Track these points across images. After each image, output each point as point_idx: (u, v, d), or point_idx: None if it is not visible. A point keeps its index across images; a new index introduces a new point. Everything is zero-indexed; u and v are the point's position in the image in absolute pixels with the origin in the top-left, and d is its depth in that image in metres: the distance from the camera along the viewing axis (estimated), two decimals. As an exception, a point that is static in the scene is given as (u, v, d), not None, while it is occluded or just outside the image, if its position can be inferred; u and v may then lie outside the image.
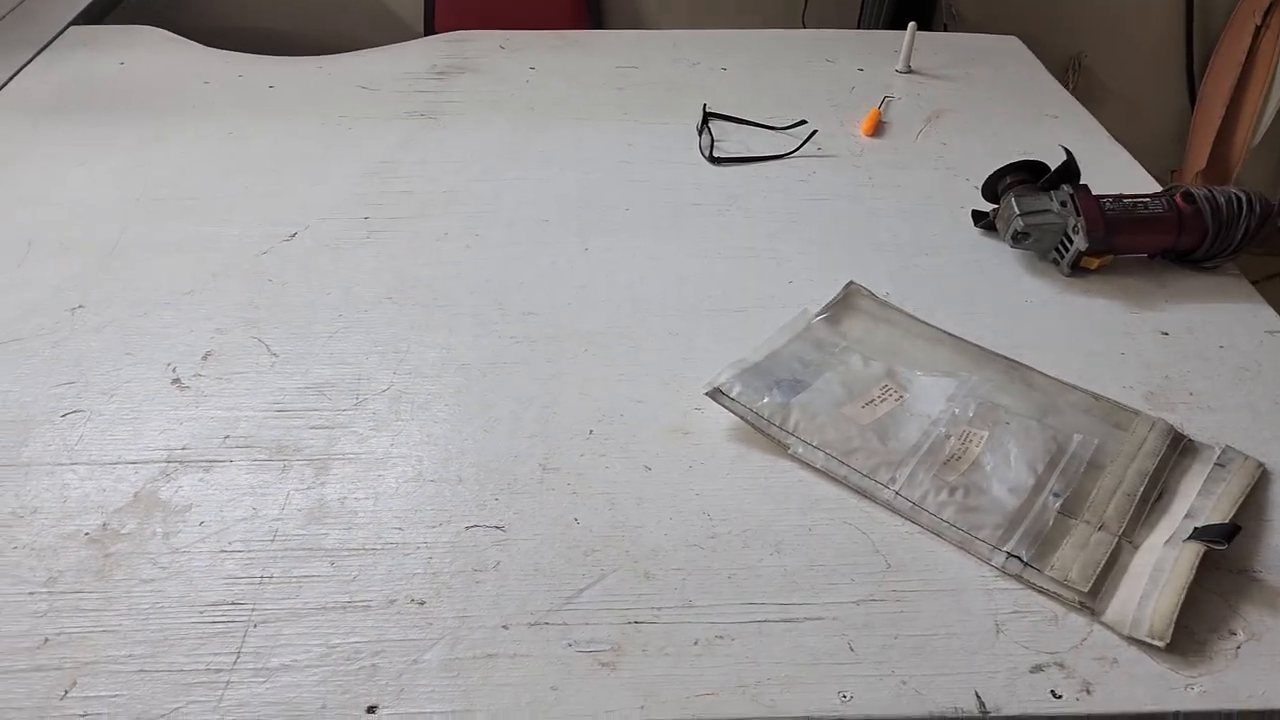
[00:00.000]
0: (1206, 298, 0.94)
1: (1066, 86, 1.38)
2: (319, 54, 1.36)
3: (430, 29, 2.16)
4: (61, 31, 1.39)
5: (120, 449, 0.76)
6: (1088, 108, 1.33)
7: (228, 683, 0.61)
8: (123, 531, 0.69)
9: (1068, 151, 0.99)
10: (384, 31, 2.15)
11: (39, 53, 1.32)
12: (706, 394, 0.79)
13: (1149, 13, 2.21)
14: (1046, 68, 1.43)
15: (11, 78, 1.27)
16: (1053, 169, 0.99)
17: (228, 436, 0.77)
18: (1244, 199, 0.93)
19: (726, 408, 0.79)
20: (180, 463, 0.75)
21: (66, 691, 0.60)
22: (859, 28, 2.05)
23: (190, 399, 0.80)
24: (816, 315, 0.89)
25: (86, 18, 1.46)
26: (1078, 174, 0.98)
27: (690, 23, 2.25)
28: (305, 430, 0.78)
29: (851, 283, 0.93)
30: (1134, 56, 2.25)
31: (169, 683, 0.60)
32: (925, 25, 1.85)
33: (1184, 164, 2.31)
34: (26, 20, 1.42)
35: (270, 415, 0.79)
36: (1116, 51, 2.24)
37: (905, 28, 1.33)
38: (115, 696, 0.60)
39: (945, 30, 2.06)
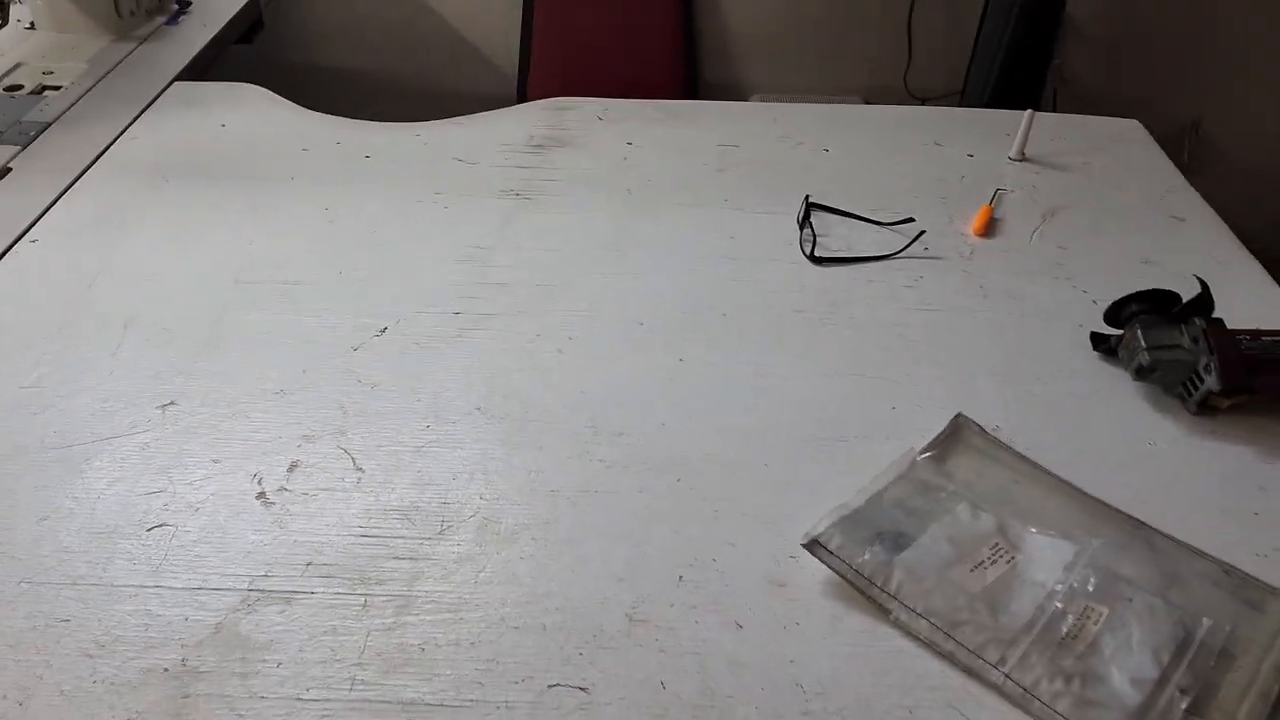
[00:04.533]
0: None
1: (1181, 157, 1.30)
2: (413, 91, 1.34)
3: (524, 72, 2.16)
4: (167, 86, 1.40)
5: (205, 573, 0.75)
6: (1204, 181, 1.26)
7: None
8: (202, 669, 0.68)
9: (1202, 283, 0.93)
10: (477, 70, 2.16)
11: (144, 110, 1.34)
12: (804, 545, 0.76)
13: (1277, 72, 2.10)
14: (1163, 135, 1.36)
15: (117, 137, 1.28)
16: (1183, 300, 0.93)
17: (310, 564, 0.75)
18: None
19: (824, 562, 0.75)
20: (262, 591, 0.73)
21: None
22: (963, 92, 1.99)
23: (274, 517, 0.79)
24: (921, 453, 0.84)
25: (191, 72, 1.47)
26: (1211, 306, 0.92)
27: (792, 76, 2.21)
28: (388, 561, 0.76)
29: (960, 415, 0.88)
30: (1258, 126, 2.14)
31: None
32: (1037, 88, 1.78)
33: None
34: (134, 73, 1.44)
35: (354, 541, 0.77)
36: (1238, 119, 2.13)
37: (1014, 96, 1.27)
38: None
39: (1055, 94, 1.99)
